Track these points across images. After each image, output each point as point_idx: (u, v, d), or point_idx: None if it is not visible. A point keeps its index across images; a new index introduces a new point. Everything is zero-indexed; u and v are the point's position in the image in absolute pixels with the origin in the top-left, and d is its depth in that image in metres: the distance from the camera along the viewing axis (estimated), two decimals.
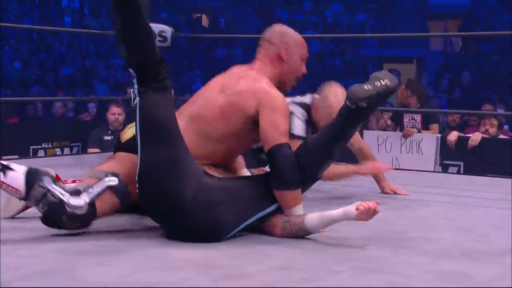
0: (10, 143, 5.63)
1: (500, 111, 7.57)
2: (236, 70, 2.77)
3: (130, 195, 2.52)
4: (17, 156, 5.41)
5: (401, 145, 5.73)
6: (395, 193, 3.69)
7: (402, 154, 5.70)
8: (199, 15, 18.24)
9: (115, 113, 6.20)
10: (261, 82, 2.64)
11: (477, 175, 4.61)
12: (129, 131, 2.78)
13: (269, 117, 2.55)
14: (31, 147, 5.97)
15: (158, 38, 5.19)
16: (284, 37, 2.75)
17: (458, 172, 5.38)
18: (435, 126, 6.00)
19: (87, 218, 2.43)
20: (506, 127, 6.83)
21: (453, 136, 5.56)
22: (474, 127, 6.48)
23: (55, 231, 2.46)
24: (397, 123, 6.21)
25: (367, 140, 5.84)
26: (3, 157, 5.12)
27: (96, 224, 2.54)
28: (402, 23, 16.04)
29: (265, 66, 2.72)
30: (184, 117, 2.65)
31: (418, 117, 5.99)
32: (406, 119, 6.09)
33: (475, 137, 5.46)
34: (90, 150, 6.04)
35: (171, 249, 2.35)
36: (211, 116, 2.63)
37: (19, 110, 8.32)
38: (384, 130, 6.22)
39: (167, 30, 5.20)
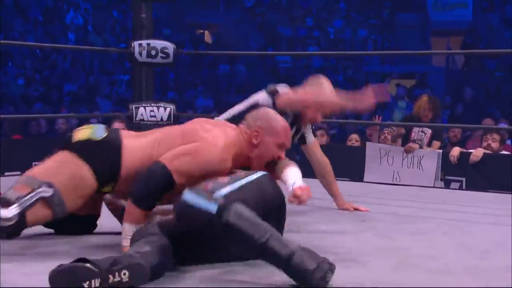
0: (13, 160, 5.64)
1: (503, 126, 7.55)
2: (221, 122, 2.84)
3: (65, 206, 2.48)
4: (19, 173, 5.41)
5: (402, 160, 5.73)
6: (355, 209, 3.63)
7: (403, 168, 5.70)
8: (202, 31, 18.30)
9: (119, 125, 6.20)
10: (221, 140, 2.56)
11: (479, 191, 4.60)
12: (85, 132, 2.63)
13: (184, 150, 2.50)
14: (33, 163, 5.96)
15: (160, 54, 5.23)
16: (260, 121, 2.67)
17: (460, 188, 5.37)
18: (436, 144, 5.98)
19: (15, 229, 2.43)
20: (509, 141, 6.82)
21: (455, 151, 5.56)
22: (476, 138, 6.51)
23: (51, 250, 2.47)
24: (405, 137, 6.14)
25: (369, 152, 5.86)
26: (6, 174, 5.15)
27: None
28: (405, 39, 16.07)
29: (240, 139, 2.65)
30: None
31: (428, 132, 5.97)
32: (415, 130, 6.05)
33: (477, 153, 5.46)
34: None
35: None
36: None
37: (23, 127, 8.33)
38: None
39: (169, 46, 5.24)
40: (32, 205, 2.41)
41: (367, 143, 6.17)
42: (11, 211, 2.38)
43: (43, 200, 2.43)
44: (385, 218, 3.44)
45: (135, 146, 2.58)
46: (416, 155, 5.68)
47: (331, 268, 2.09)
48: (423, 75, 15.15)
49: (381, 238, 2.94)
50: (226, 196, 2.24)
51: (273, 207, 2.43)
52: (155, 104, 5.23)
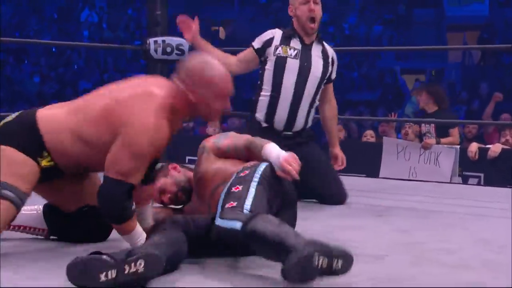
0: None
1: None
2: (149, 80, 2.48)
3: (14, 187, 2.32)
4: None
5: (419, 156, 5.68)
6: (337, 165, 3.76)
7: (420, 164, 5.66)
8: (217, 28, 18.30)
9: None
10: (147, 111, 2.31)
11: (497, 187, 4.56)
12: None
13: (119, 151, 2.30)
14: None
15: (175, 51, 5.22)
16: (194, 75, 2.38)
17: (479, 184, 5.33)
18: (455, 131, 5.87)
19: None
20: None
21: (473, 147, 5.51)
22: (494, 133, 6.46)
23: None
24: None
25: (386, 147, 5.82)
26: None
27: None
28: (420, 35, 15.99)
29: (174, 95, 2.38)
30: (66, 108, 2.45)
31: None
32: (423, 124, 6.02)
33: (495, 148, 5.41)
34: None
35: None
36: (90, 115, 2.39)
37: None
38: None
39: (185, 43, 5.22)
40: None
41: (384, 138, 6.12)
42: None
43: None
44: (402, 213, 3.42)
45: (53, 114, 2.43)
46: (433, 151, 5.63)
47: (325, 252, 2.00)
48: (439, 71, 15.08)
49: (397, 233, 2.92)
50: (251, 210, 2.23)
51: (286, 193, 2.44)
52: None
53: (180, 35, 5.26)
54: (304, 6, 3.62)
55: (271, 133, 3.56)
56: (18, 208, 2.34)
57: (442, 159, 5.57)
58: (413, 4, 17.43)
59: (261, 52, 3.66)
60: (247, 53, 3.72)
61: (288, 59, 3.61)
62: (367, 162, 5.58)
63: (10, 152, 2.35)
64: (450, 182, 5.26)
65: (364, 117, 9.86)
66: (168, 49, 5.20)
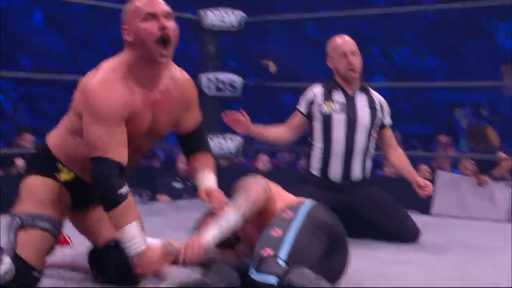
0: None
1: None
2: None
3: (48, 217, 2.32)
4: None
5: (474, 191, 5.58)
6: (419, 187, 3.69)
7: (473, 200, 5.56)
8: (266, 62, 18.40)
9: (184, 161, 6.18)
10: (93, 79, 2.27)
11: None
12: None
13: (85, 124, 2.25)
14: None
15: (228, 87, 5.27)
16: (122, 18, 2.31)
17: None
18: (506, 164, 5.75)
19: (21, 276, 2.23)
20: None
21: None
22: None
23: None
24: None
25: (439, 181, 5.72)
26: None
27: None
28: (473, 67, 15.83)
29: (123, 55, 2.33)
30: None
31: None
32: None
33: None
34: (160, 197, 6.09)
35: None
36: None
37: None
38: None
39: (237, 80, 5.28)
40: (13, 241, 2.26)
41: (438, 172, 6.00)
42: (6, 261, 2.22)
43: (21, 229, 2.28)
44: (455, 249, 3.37)
45: (58, 125, 2.48)
46: (489, 187, 5.53)
47: None
48: (492, 104, 14.87)
49: (449, 268, 2.89)
50: (287, 260, 2.16)
51: (334, 234, 2.38)
52: (222, 136, 5.23)
53: (233, 71, 5.31)
54: (343, 59, 3.65)
55: (328, 184, 3.61)
56: (55, 237, 2.34)
57: (498, 196, 5.46)
58: (466, 36, 17.30)
59: (308, 114, 3.70)
60: (295, 119, 3.76)
61: (333, 114, 3.62)
62: (419, 198, 5.50)
63: (32, 181, 2.39)
64: (506, 221, 5.14)
65: (418, 152, 9.75)
66: (221, 86, 5.25)
